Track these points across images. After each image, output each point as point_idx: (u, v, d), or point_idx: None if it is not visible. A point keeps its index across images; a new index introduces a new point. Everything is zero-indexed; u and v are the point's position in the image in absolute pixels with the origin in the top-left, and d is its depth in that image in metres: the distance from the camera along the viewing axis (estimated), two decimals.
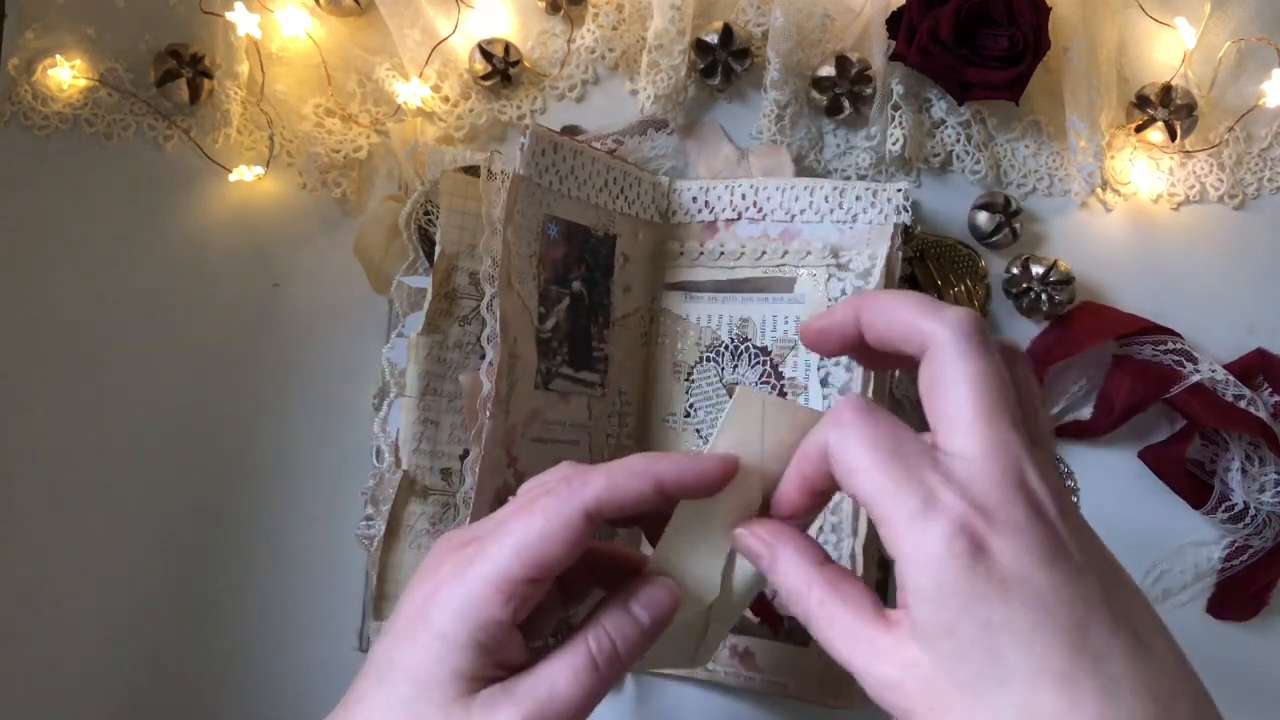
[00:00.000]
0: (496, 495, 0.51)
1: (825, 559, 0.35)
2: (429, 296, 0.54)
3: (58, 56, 0.58)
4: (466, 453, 0.53)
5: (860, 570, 0.52)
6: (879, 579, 0.56)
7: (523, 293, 0.52)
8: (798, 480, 0.36)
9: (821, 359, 0.54)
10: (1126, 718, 0.29)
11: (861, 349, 0.36)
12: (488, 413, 0.49)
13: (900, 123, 0.59)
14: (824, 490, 0.35)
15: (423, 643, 0.34)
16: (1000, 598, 0.30)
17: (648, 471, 0.36)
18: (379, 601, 0.54)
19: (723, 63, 0.59)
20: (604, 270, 0.56)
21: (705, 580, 0.38)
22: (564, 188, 0.54)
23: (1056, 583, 0.31)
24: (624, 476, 0.35)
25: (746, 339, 0.56)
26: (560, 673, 0.35)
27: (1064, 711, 0.29)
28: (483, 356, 0.50)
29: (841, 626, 0.33)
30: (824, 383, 0.54)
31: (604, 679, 0.36)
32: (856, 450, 0.32)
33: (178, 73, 0.58)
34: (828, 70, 0.59)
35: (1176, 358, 0.58)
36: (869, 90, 0.59)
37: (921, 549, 0.30)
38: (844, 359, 0.53)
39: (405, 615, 0.36)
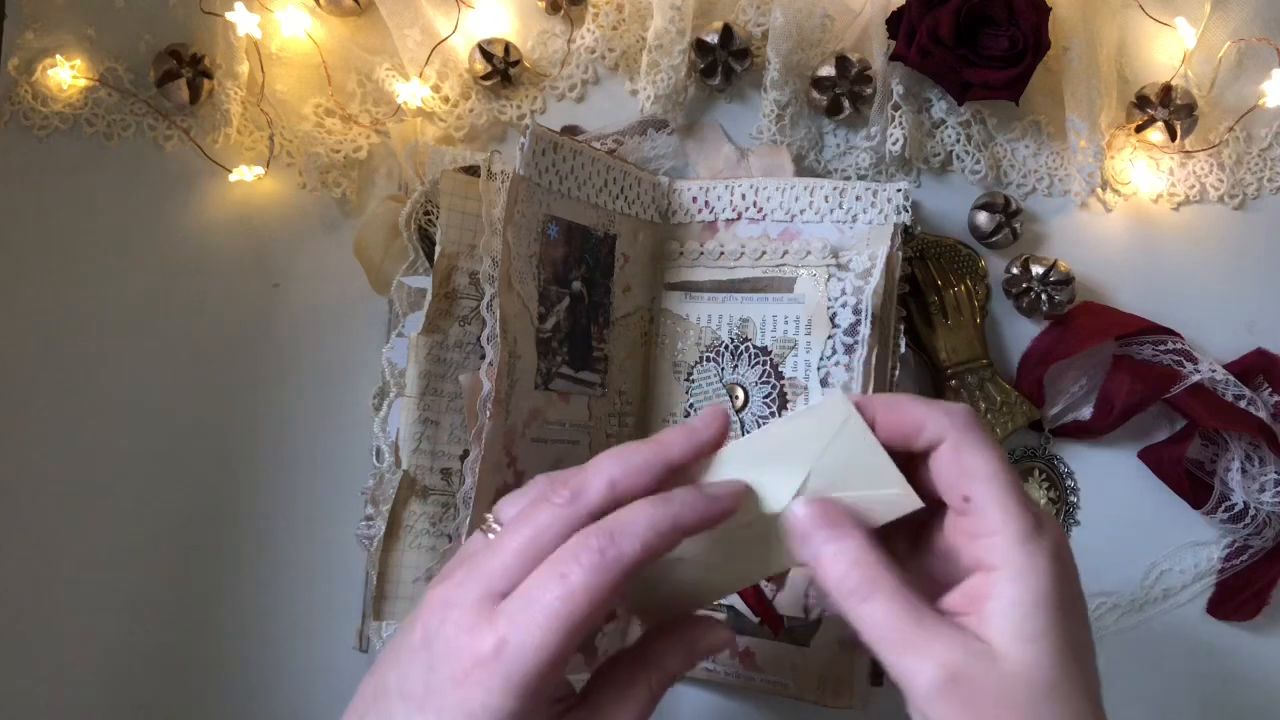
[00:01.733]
0: (496, 495, 0.50)
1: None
2: (429, 296, 0.54)
3: (58, 56, 0.58)
4: (467, 453, 0.53)
5: None
6: None
7: (523, 293, 0.52)
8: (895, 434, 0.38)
9: (821, 359, 0.54)
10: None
11: None
12: (488, 413, 0.49)
13: (900, 123, 0.59)
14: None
15: None
16: (1077, 613, 0.35)
17: (676, 526, 0.37)
18: (379, 602, 0.54)
19: (723, 63, 0.59)
20: (604, 270, 0.56)
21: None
22: (564, 188, 0.54)
23: (1086, 613, 0.37)
24: (655, 537, 0.36)
25: (746, 339, 0.56)
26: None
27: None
28: (483, 356, 0.50)
29: (914, 614, 0.35)
30: (824, 383, 0.54)
31: (656, 706, 0.39)
32: (988, 458, 0.36)
33: (178, 73, 0.58)
34: (828, 70, 0.59)
35: (1176, 358, 0.58)
36: (869, 90, 0.59)
37: (1034, 561, 0.34)
38: (843, 360, 0.53)
39: (443, 704, 0.35)
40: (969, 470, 0.36)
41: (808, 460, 0.37)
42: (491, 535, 0.39)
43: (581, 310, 0.55)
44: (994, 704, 0.33)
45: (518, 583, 0.36)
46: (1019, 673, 0.33)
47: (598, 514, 0.37)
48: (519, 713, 0.34)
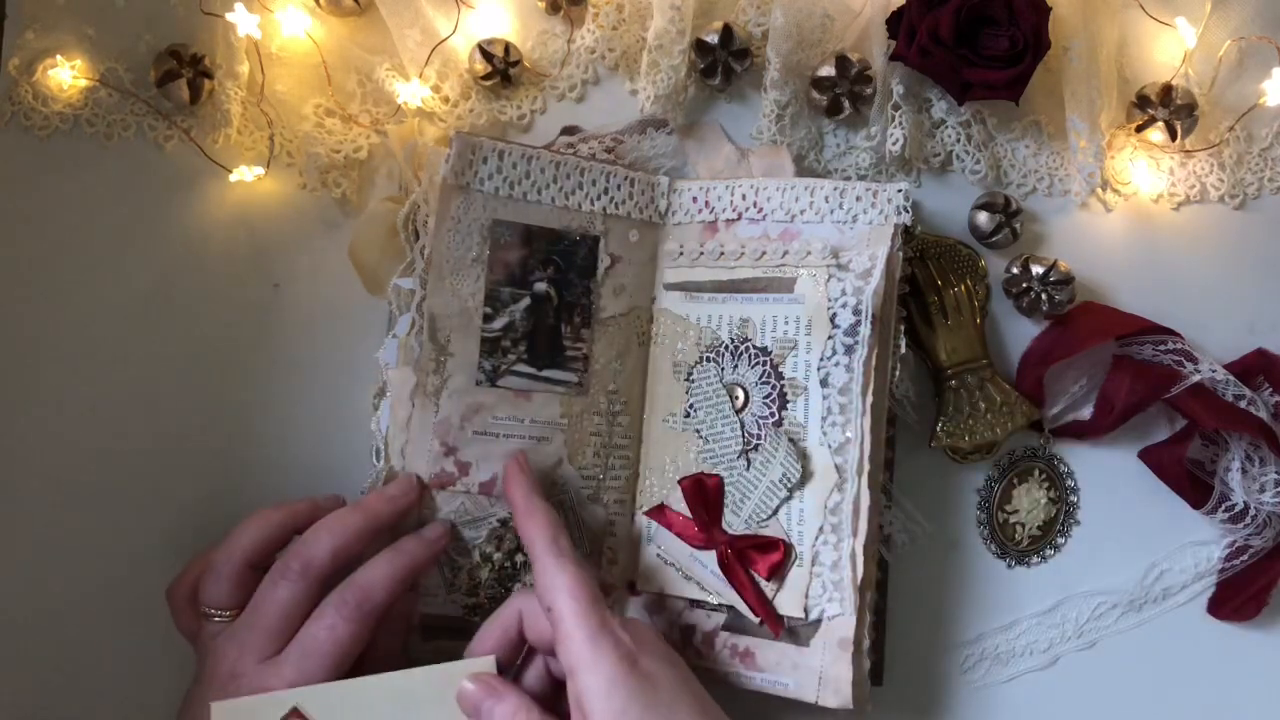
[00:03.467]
0: (433, 482, 0.54)
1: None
2: (416, 297, 0.55)
3: (58, 56, 0.58)
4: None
5: (860, 570, 0.52)
6: (879, 579, 0.56)
7: (460, 293, 0.54)
8: (499, 631, 0.50)
9: (821, 359, 0.54)
10: None
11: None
12: (413, 404, 0.54)
13: (900, 123, 0.59)
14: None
15: None
16: (651, 687, 0.44)
17: (411, 568, 0.52)
18: None
19: (723, 63, 0.59)
20: (581, 271, 0.56)
21: None
22: (516, 193, 0.55)
23: (678, 678, 0.46)
24: (396, 583, 0.50)
25: (746, 339, 0.56)
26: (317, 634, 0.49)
27: None
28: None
29: None
30: (824, 383, 0.54)
31: (358, 626, 0.49)
32: (565, 574, 0.47)
33: (178, 73, 0.58)
34: (828, 70, 0.59)
35: (1176, 358, 0.58)
36: (869, 90, 0.59)
37: (599, 654, 0.44)
38: (843, 360, 0.53)
39: None
40: (548, 585, 0.47)
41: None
42: (217, 620, 0.51)
43: (548, 310, 0.56)
44: None
45: (284, 643, 0.49)
46: None
47: (327, 576, 0.50)
48: None
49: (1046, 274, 0.58)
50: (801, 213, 0.57)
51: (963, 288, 0.59)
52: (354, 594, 0.50)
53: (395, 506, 0.53)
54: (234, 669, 0.49)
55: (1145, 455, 0.60)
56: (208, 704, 0.49)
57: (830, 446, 0.53)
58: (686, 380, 0.57)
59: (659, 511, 0.57)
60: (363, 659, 0.51)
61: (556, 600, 0.46)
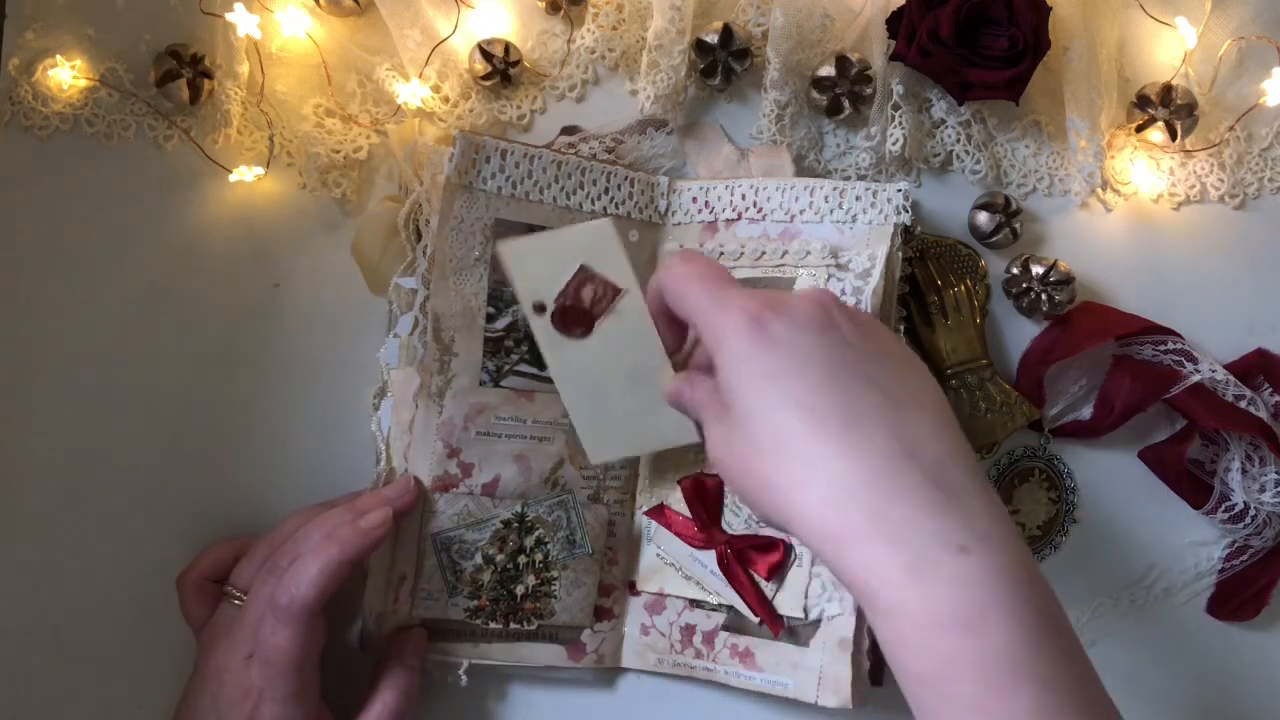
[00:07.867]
0: (435, 485, 0.54)
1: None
2: (419, 297, 0.55)
3: (58, 56, 0.58)
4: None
5: None
6: None
7: (463, 293, 0.54)
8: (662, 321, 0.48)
9: None
10: (864, 442, 0.38)
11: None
12: (416, 405, 0.54)
13: (900, 123, 0.59)
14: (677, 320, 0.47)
15: None
16: (772, 352, 0.40)
17: (342, 561, 0.49)
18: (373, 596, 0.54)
19: (723, 63, 0.59)
20: None
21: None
22: (518, 192, 0.55)
23: (815, 344, 0.41)
24: (325, 578, 0.48)
25: None
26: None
27: (808, 433, 0.38)
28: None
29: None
30: None
31: (294, 629, 0.48)
32: (683, 279, 0.45)
33: (178, 73, 0.58)
34: (828, 70, 0.59)
35: (1176, 358, 0.58)
36: (869, 90, 0.59)
37: (724, 323, 0.42)
38: None
39: None
40: (677, 291, 0.45)
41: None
42: (237, 603, 0.51)
43: None
44: (740, 473, 0.42)
45: None
46: (738, 436, 0.41)
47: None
48: (290, 702, 0.48)
49: (1046, 274, 0.58)
50: (801, 213, 0.57)
51: (963, 288, 0.59)
52: (283, 594, 0.48)
53: (379, 533, 0.51)
54: (221, 663, 0.50)
55: (1145, 455, 0.60)
56: (204, 698, 0.50)
57: None
58: None
59: (659, 511, 0.57)
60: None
61: (682, 298, 0.45)
